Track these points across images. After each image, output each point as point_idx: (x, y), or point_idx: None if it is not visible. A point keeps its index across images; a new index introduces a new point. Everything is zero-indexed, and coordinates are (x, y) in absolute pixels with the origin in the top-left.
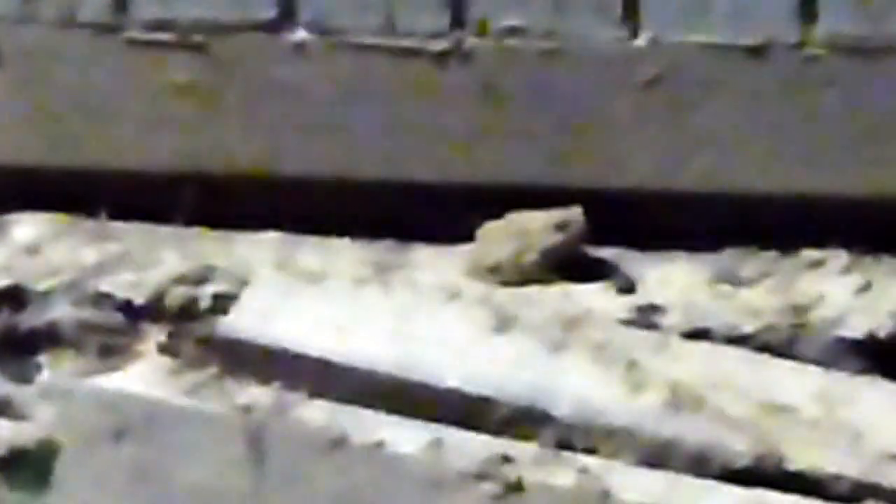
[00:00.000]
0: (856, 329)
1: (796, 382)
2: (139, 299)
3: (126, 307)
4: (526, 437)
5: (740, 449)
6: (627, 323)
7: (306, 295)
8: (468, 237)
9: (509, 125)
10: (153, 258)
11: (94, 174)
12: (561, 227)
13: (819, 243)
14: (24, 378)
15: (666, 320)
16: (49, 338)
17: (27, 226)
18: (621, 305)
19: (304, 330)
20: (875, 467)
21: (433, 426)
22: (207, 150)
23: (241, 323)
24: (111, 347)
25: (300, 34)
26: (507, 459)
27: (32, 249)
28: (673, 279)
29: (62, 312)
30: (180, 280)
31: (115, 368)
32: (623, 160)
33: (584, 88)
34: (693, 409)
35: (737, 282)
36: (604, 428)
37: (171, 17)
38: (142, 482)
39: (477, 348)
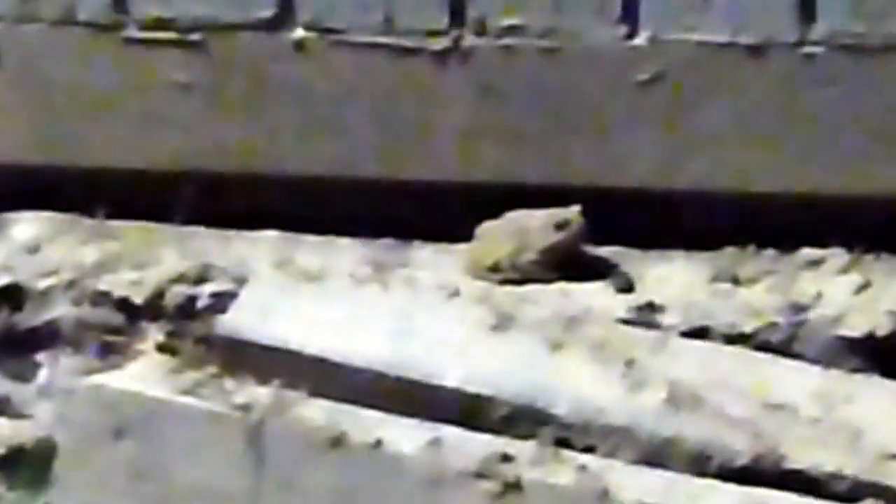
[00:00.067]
0: (855, 328)
1: (795, 381)
2: (138, 298)
3: (125, 306)
4: (525, 436)
5: (739, 448)
6: (626, 322)
7: (305, 294)
8: (467, 236)
9: (508, 124)
10: (152, 257)
11: (93, 173)
12: (560, 226)
13: (818, 242)
14: (24, 377)
15: (665, 319)
16: (48, 336)
17: (26, 225)
18: (620, 304)
19: (303, 329)
20: (874, 466)
21: (432, 425)
22: (206, 149)
23: (240, 322)
24: (110, 346)
25: (299, 33)
26: (506, 458)
27: (32, 248)
28: (672, 278)
29: (61, 311)
30: (179, 279)
31: (114, 367)
32: (622, 159)
33: (583, 87)
34: (692, 408)
35: (736, 281)
36: (603, 426)
37: (170, 15)
38: (141, 480)
39: (476, 347)
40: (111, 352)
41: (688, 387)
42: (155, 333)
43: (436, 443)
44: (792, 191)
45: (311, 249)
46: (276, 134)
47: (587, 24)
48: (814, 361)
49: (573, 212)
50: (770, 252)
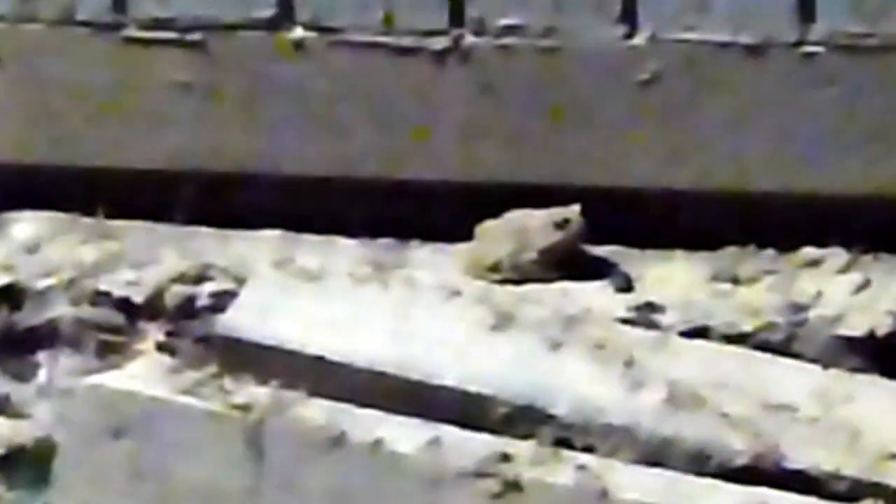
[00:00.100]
0: (854, 327)
1: (795, 381)
2: (138, 298)
3: (125, 305)
4: (524, 436)
5: (739, 447)
6: (626, 321)
7: (305, 293)
8: (467, 236)
9: (507, 123)
10: (152, 257)
11: (93, 172)
12: (559, 225)
13: (818, 242)
14: (23, 376)
15: (665, 319)
16: (48, 336)
17: (26, 224)
18: (620, 304)
19: (302, 328)
20: (873, 465)
21: (432, 424)
22: (206, 149)
23: (239, 321)
24: (110, 345)
25: (298, 32)
26: (505, 458)
27: (31, 248)
28: (672, 278)
29: (61, 311)
30: (179, 278)
31: (113, 367)
32: (622, 158)
33: (583, 87)
34: (692, 408)
35: (735, 280)
36: (602, 426)
37: (170, 15)
38: (140, 480)
39: (476, 347)
40: (110, 351)
41: (687, 386)
42: (154, 333)
43: (435, 442)
44: (791, 190)
45: (311, 249)
46: (275, 133)
47: (587, 24)
48: (813, 361)
49: (573, 211)
50: (770, 252)
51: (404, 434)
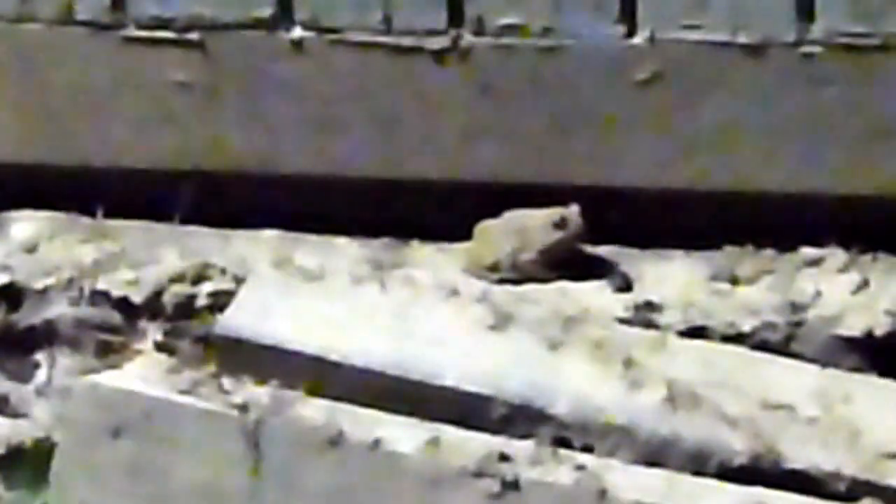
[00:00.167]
0: (853, 327)
1: (794, 380)
2: (137, 297)
3: (124, 305)
4: (523, 436)
5: (738, 447)
6: (625, 321)
7: (304, 293)
8: (466, 235)
9: (507, 123)
10: (151, 256)
11: (92, 172)
12: (559, 225)
13: (817, 242)
14: (22, 376)
15: (664, 318)
16: (47, 336)
17: (25, 224)
18: (619, 304)
19: (301, 328)
20: (872, 465)
21: (431, 424)
22: (205, 148)
23: (238, 321)
24: (109, 345)
25: (297, 32)
26: (504, 457)
27: (30, 247)
28: (671, 277)
29: (60, 310)
30: (178, 278)
31: (112, 366)
32: (621, 158)
33: (582, 86)
34: (691, 408)
35: (734, 280)
36: (601, 426)
37: (169, 15)
38: (139, 479)
39: (475, 346)
40: (109, 351)
41: (686, 386)
42: (153, 333)
43: (434, 442)
44: (790, 190)
45: (310, 249)
46: (274, 133)
47: (586, 24)
48: (812, 361)
49: (572, 211)
50: (768, 251)
51: (403, 434)
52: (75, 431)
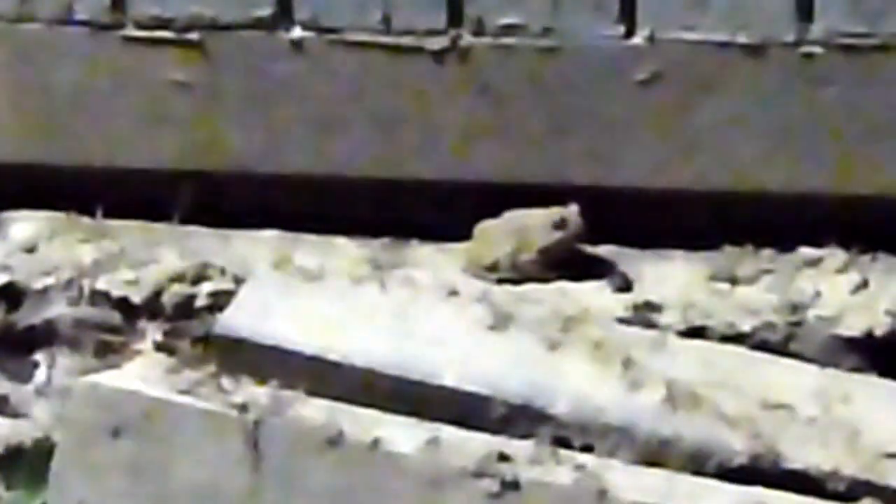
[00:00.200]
0: (853, 327)
1: (793, 380)
2: (136, 297)
3: (123, 305)
4: (523, 436)
5: (738, 447)
6: (625, 321)
7: (304, 293)
8: (465, 235)
9: (506, 123)
10: (150, 256)
11: (92, 172)
12: (558, 225)
13: (816, 242)
14: (22, 376)
15: (663, 318)
16: (46, 336)
17: (24, 224)
18: (619, 304)
19: (301, 328)
20: (872, 465)
21: (430, 424)
22: (205, 148)
23: (238, 321)
24: (109, 345)
25: (297, 32)
26: (504, 457)
27: (30, 247)
28: (670, 277)
29: (59, 310)
30: (178, 278)
31: (112, 366)
32: (620, 158)
33: (582, 86)
34: (690, 408)
35: (734, 280)
36: (601, 426)
37: (169, 14)
38: (139, 479)
39: (474, 346)
40: (109, 351)
41: (686, 386)
42: (153, 333)
43: (434, 442)
44: (790, 190)
45: (310, 249)
46: (274, 133)
47: (586, 24)
48: (812, 361)
49: (571, 211)
50: (768, 251)
51: (403, 434)
52: (75, 431)
